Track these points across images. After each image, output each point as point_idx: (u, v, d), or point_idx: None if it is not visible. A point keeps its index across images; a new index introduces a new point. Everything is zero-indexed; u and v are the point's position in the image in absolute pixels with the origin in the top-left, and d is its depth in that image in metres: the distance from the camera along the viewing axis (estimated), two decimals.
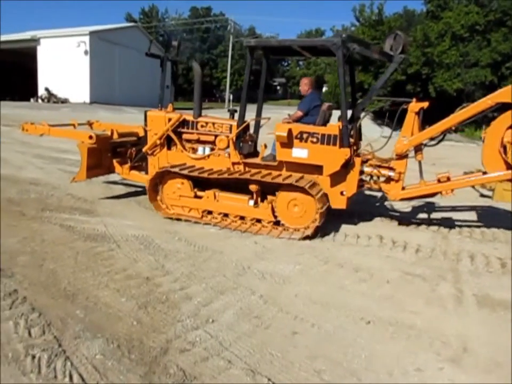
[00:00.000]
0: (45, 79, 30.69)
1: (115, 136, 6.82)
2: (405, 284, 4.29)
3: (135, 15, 57.59)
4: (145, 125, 6.41)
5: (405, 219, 6.53)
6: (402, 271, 4.62)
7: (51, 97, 29.95)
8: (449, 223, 6.44)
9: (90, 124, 7.56)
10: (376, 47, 5.87)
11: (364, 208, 6.99)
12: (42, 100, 30.38)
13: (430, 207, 7.40)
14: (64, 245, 4.65)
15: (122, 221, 5.70)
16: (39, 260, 4.18)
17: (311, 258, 4.86)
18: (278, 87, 68.46)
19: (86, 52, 29.51)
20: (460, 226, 6.33)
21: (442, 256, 5.13)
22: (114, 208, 6.27)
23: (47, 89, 30.57)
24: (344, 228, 5.98)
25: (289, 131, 5.40)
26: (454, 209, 7.34)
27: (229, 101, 41.94)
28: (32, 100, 30.52)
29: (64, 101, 29.42)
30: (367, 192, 7.43)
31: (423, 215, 6.92)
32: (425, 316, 3.64)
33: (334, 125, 5.53)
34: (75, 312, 3.28)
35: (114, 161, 6.81)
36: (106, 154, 6.79)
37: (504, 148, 5.14)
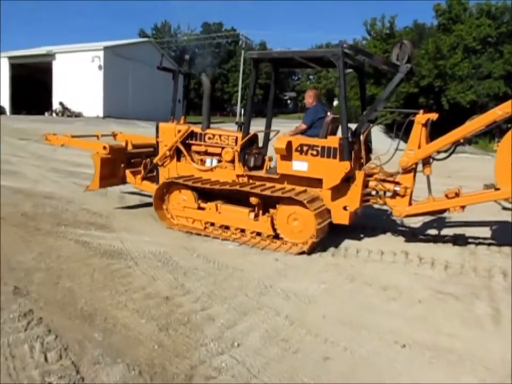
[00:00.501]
0: (60, 93, 31.12)
1: (129, 147, 6.94)
2: (437, 303, 4.06)
3: (148, 31, 58.51)
4: (157, 136, 6.47)
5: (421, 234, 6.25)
6: (433, 289, 4.38)
7: (65, 111, 30.31)
8: (470, 239, 6.17)
9: (114, 135, 7.63)
10: (380, 57, 5.76)
11: (385, 223, 6.77)
12: (57, 114, 30.76)
13: (445, 222, 7.10)
14: (80, 261, 4.51)
15: (138, 236, 5.55)
16: (54, 277, 4.04)
17: (336, 276, 4.65)
18: (289, 101, 68.71)
19: (100, 67, 29.91)
20: (484, 241, 6.07)
21: (473, 273, 4.88)
22: (130, 223, 6.13)
23: (61, 103, 30.96)
24: (365, 243, 5.76)
25: (289, 143, 5.31)
26: (474, 224, 7.05)
27: (240, 114, 42.03)
28: (46, 113, 30.90)
29: (78, 115, 29.74)
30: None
31: (442, 231, 6.64)
32: (463, 339, 3.40)
33: (334, 137, 5.39)
34: (93, 334, 3.10)
35: (127, 171, 6.86)
36: (120, 164, 6.87)
37: None
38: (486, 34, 26.05)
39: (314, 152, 5.27)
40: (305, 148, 5.32)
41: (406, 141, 5.54)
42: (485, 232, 6.58)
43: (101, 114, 29.89)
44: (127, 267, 4.47)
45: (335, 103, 36.39)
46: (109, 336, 3.10)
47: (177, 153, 6.31)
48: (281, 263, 4.96)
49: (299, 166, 5.37)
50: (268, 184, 5.64)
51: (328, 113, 5.96)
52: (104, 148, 6.55)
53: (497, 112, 4.92)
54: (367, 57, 5.65)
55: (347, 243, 5.72)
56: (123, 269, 4.40)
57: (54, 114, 30.78)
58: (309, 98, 6.13)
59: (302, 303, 3.94)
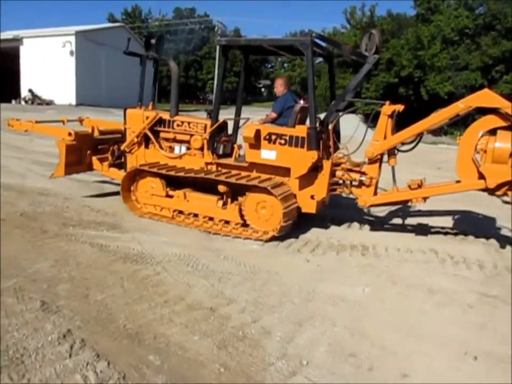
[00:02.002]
0: (28, 80, 29.46)
1: (96, 133, 6.75)
2: (489, 308, 3.90)
3: (118, 16, 56.40)
4: (125, 122, 6.33)
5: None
6: (478, 292, 4.22)
7: (35, 99, 28.80)
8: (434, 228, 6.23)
9: (80, 121, 7.22)
10: (349, 47, 5.73)
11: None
12: (26, 102, 29.19)
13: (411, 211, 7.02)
14: (103, 268, 4.09)
15: (155, 237, 5.15)
16: (82, 289, 3.62)
17: (374, 278, 4.43)
18: (263, 89, 68.18)
19: (71, 53, 28.49)
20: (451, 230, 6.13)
21: (508, 273, 4.76)
22: (140, 221, 5.71)
23: (30, 91, 29.39)
24: (385, 240, 5.59)
25: (257, 132, 5.25)
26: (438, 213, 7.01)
27: (220, 103, 41.32)
28: (14, 101, 29.30)
29: (49, 103, 28.35)
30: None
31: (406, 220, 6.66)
32: None
33: (302, 127, 5.33)
34: (148, 357, 2.75)
35: (94, 158, 6.67)
36: (87, 151, 6.65)
37: (478, 155, 4.89)
38: (463, 26, 26.37)
39: (283, 141, 5.25)
40: (273, 137, 5.28)
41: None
42: (448, 221, 6.64)
43: (74, 102, 28.59)
44: (156, 273, 4.09)
45: None
46: (166, 359, 2.75)
47: (145, 140, 6.19)
48: (314, 264, 4.71)
49: (267, 154, 5.32)
50: (234, 172, 5.57)
51: (301, 101, 5.91)
52: (70, 134, 6.32)
53: (459, 106, 4.91)
54: (336, 47, 5.61)
55: (368, 239, 5.55)
56: (152, 276, 4.02)
57: (23, 102, 29.19)
58: (279, 87, 5.98)
59: (352, 310, 3.70)
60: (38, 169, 8.86)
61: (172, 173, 5.62)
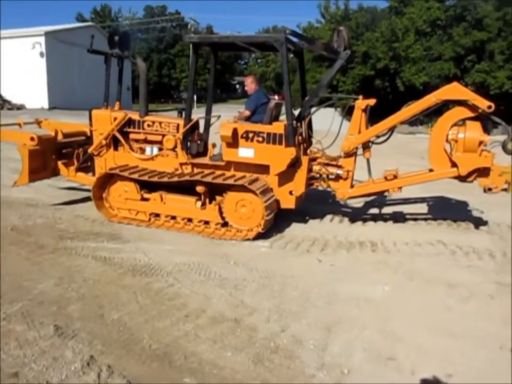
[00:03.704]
0: None
1: (59, 136, 6.40)
2: (510, 298, 3.86)
3: (87, 15, 54.90)
4: (90, 124, 6.05)
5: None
6: (495, 282, 4.20)
7: (4, 104, 27.68)
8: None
9: (38, 123, 6.85)
10: (321, 43, 5.80)
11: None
12: None
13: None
14: (113, 283, 3.87)
15: (159, 245, 4.94)
16: (95, 308, 3.40)
17: (391, 275, 4.35)
18: (238, 86, 67.77)
19: (42, 54, 27.44)
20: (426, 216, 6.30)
21: None
22: (140, 230, 5.47)
23: None
24: (389, 234, 5.56)
25: (234, 130, 5.18)
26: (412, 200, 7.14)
27: (193, 101, 40.86)
28: None
29: (20, 107, 27.28)
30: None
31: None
32: None
33: (279, 123, 5.32)
34: (183, 380, 2.57)
35: (59, 163, 6.35)
36: (51, 156, 6.30)
37: (450, 145, 5.09)
38: (435, 17, 26.75)
39: (260, 139, 5.18)
40: (251, 135, 5.21)
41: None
42: (423, 208, 6.80)
43: (46, 106, 27.61)
44: (169, 285, 3.89)
45: None
46: (203, 380, 2.57)
47: (114, 142, 5.95)
48: (327, 265, 4.60)
49: (245, 152, 5.26)
50: (211, 172, 5.44)
51: (276, 97, 5.81)
52: (32, 138, 5.96)
53: (431, 99, 5.09)
54: (308, 43, 5.61)
55: (374, 235, 5.51)
56: (166, 288, 3.82)
57: None
58: (251, 84, 5.93)
59: (378, 310, 3.59)
60: None
61: (145, 177, 5.37)
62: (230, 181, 5.15)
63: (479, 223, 6.07)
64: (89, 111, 6.09)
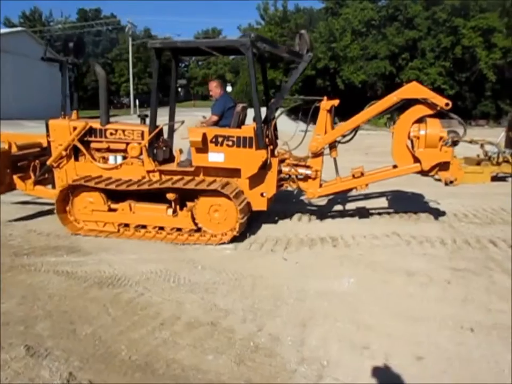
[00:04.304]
0: None
1: (13, 149, 6.07)
2: (464, 282, 4.17)
3: (15, 19, 51.97)
4: (48, 135, 5.80)
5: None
6: (449, 268, 4.51)
7: None
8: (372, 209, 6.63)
9: None
10: (285, 47, 5.95)
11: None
12: None
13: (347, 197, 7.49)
14: (80, 298, 3.75)
15: (122, 255, 4.83)
16: (65, 324, 3.28)
17: (354, 268, 4.54)
18: (180, 89, 66.96)
19: None
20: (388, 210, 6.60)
21: (467, 246, 5.16)
22: (99, 240, 5.31)
23: None
24: (348, 229, 5.79)
25: (204, 136, 5.17)
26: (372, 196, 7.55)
27: (135, 106, 39.92)
28: None
29: None
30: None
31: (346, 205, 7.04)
32: None
33: (248, 126, 5.41)
34: None
35: (15, 177, 6.02)
36: (5, 170, 5.96)
37: (412, 141, 5.38)
38: (369, 18, 27.97)
39: (230, 143, 5.22)
40: (220, 139, 5.23)
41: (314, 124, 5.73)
42: (375, 202, 7.18)
43: None
44: (139, 294, 3.83)
45: (229, 89, 36.21)
46: None
47: (74, 152, 5.76)
48: (292, 262, 4.71)
49: (215, 157, 5.27)
50: (187, 178, 5.42)
51: (239, 104, 5.96)
52: None
53: (392, 98, 5.36)
54: (273, 47, 5.68)
55: (333, 230, 5.71)
56: (137, 298, 3.76)
57: None
58: (216, 89, 6.00)
59: (346, 302, 3.75)
60: None
61: (112, 186, 5.26)
62: (203, 186, 5.12)
63: (428, 213, 6.47)
64: (46, 122, 5.82)
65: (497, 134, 10.54)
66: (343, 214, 6.54)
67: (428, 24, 26.65)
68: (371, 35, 28.63)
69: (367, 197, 7.33)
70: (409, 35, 26.42)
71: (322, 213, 6.52)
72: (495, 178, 9.04)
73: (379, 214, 6.49)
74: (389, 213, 6.49)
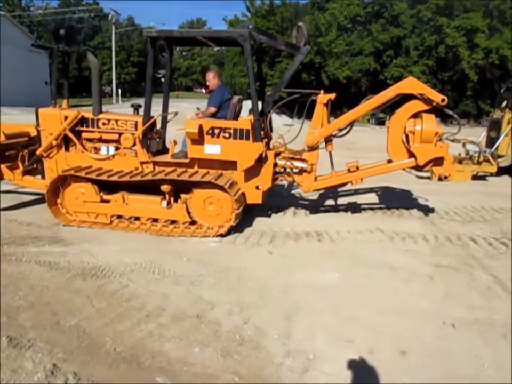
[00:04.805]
0: None
1: (2, 138, 5.90)
2: (446, 278, 4.25)
3: None
4: (37, 124, 5.67)
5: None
6: (431, 264, 4.59)
7: None
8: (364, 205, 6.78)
9: None
10: (282, 40, 5.91)
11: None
12: None
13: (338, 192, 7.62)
14: (63, 289, 3.69)
15: (105, 246, 4.77)
16: (48, 315, 3.23)
17: (338, 262, 4.59)
18: (163, 79, 66.17)
19: None
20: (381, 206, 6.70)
21: (449, 243, 5.26)
22: (82, 231, 5.24)
23: None
24: (333, 224, 5.83)
25: (200, 127, 5.13)
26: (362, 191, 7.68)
27: (117, 95, 39.28)
28: None
29: None
30: None
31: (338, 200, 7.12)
32: (493, 310, 3.61)
33: (245, 118, 5.39)
34: (156, 379, 2.55)
35: (2, 166, 5.89)
36: None
37: (407, 136, 5.42)
38: (355, 14, 28.07)
39: (227, 135, 5.18)
40: (216, 131, 5.19)
41: (299, 118, 5.75)
42: (367, 198, 7.27)
43: None
44: (123, 286, 3.79)
45: None
46: (175, 378, 2.57)
47: (65, 142, 5.66)
48: (278, 256, 4.74)
49: (211, 149, 5.24)
50: (180, 170, 5.39)
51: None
52: None
53: (389, 93, 5.38)
54: (271, 39, 5.69)
55: (318, 225, 5.75)
56: (121, 289, 3.72)
57: None
58: (213, 80, 5.91)
59: (332, 296, 3.78)
60: None
61: (104, 177, 5.16)
62: (197, 178, 5.07)
63: (410, 209, 6.57)
64: (36, 110, 5.67)
65: (478, 134, 10.75)
66: (328, 209, 6.58)
67: (412, 22, 26.92)
68: (356, 31, 28.78)
69: (351, 193, 7.40)
70: (394, 32, 26.66)
71: (307, 207, 6.55)
72: (475, 177, 9.22)
73: (363, 209, 6.56)
74: (372, 209, 6.56)
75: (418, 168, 5.60)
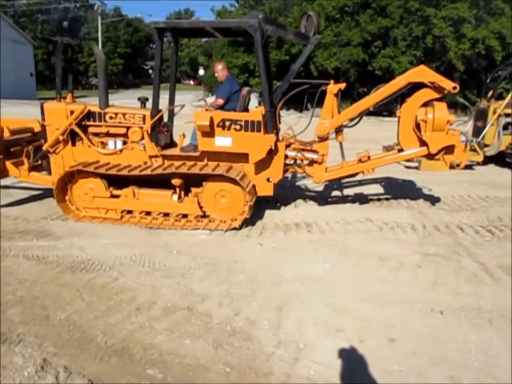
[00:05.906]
0: None
1: (6, 134, 5.81)
2: (434, 266, 4.30)
3: None
4: (43, 119, 5.58)
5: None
6: (420, 252, 4.64)
7: None
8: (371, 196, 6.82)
9: None
10: (292, 30, 5.84)
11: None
12: None
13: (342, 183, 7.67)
14: (52, 283, 3.66)
15: (95, 240, 4.74)
16: (38, 310, 3.21)
17: (328, 253, 4.61)
18: (151, 71, 65.47)
19: None
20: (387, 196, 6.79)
21: (437, 231, 5.31)
22: (70, 224, 5.20)
23: None
24: (323, 215, 5.84)
25: (211, 119, 5.07)
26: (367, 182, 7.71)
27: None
28: None
29: None
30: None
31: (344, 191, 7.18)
32: (480, 296, 3.67)
33: (256, 110, 5.34)
34: (147, 372, 2.55)
35: (7, 163, 5.76)
36: None
37: (418, 125, 5.39)
38: (343, 4, 27.91)
39: (238, 127, 5.12)
40: (227, 123, 5.12)
41: (300, 110, 5.70)
42: (354, 189, 7.26)
43: None
44: (113, 279, 3.78)
45: (201, 72, 35.52)
46: (167, 370, 2.58)
47: (71, 137, 5.58)
48: (268, 248, 4.74)
49: (222, 141, 5.17)
50: (190, 163, 5.32)
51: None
52: None
53: (400, 82, 5.35)
54: (281, 29, 5.61)
55: (307, 216, 5.76)
56: (111, 283, 3.71)
57: None
58: (222, 71, 5.86)
59: (321, 287, 3.81)
60: None
61: (113, 171, 5.10)
62: (208, 171, 5.02)
63: (398, 199, 6.62)
64: (41, 105, 5.57)
65: (465, 123, 10.83)
66: (316, 200, 6.60)
67: (400, 13, 26.84)
68: (345, 22, 28.62)
69: (340, 184, 7.41)
70: (382, 23, 26.56)
71: (295, 198, 6.56)
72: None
73: (352, 200, 6.59)
74: (361, 200, 6.59)
75: (429, 156, 5.58)
